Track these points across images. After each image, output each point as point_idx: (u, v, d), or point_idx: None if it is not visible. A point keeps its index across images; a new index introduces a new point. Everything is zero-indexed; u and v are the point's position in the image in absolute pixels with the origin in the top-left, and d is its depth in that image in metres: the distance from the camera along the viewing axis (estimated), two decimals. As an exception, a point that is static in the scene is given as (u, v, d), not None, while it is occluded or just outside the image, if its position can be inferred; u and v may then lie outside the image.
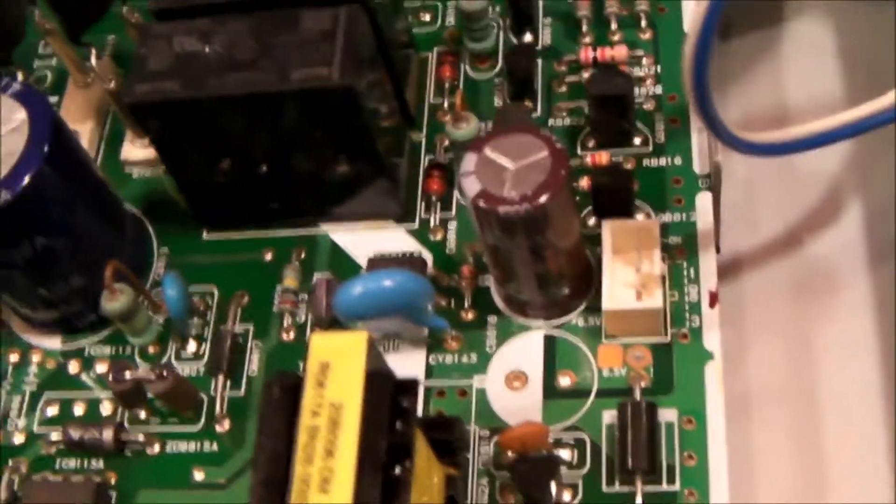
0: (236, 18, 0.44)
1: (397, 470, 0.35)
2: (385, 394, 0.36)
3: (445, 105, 0.49)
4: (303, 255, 0.48)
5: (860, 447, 0.45)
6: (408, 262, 0.46)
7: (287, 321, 0.46)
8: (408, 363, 0.44)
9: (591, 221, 0.46)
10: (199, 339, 0.46)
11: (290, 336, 0.46)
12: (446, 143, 0.48)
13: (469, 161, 0.40)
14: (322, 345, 0.37)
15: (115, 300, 0.45)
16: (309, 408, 0.36)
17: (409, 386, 0.37)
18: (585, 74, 0.49)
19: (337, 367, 0.36)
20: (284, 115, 0.44)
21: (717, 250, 0.47)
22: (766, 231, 0.49)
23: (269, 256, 0.48)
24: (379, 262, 0.46)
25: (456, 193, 0.48)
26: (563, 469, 0.41)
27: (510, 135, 0.41)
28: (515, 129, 0.41)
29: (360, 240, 0.47)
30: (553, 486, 0.40)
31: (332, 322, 0.45)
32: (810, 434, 0.45)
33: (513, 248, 0.41)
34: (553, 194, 0.39)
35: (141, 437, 0.44)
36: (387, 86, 0.47)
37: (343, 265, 0.47)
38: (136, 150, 0.51)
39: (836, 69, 0.52)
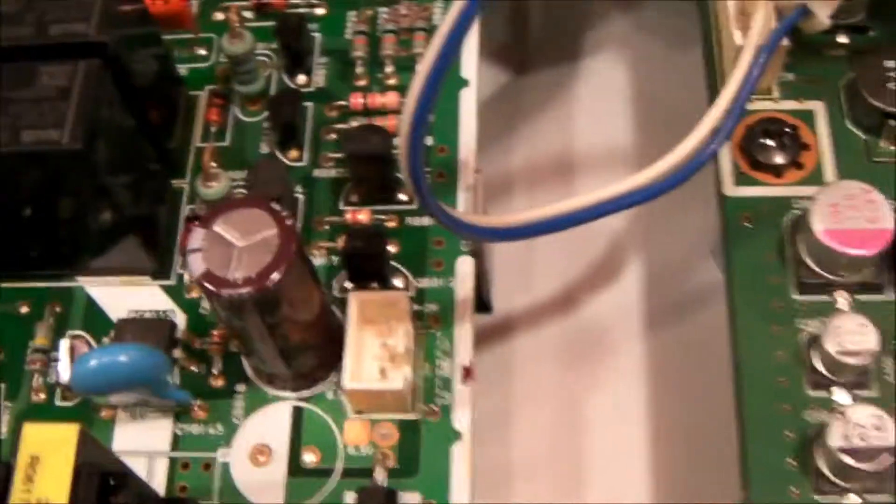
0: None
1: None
2: (93, 492, 0.35)
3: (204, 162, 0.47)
4: (58, 310, 0.45)
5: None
6: (157, 324, 0.44)
7: (37, 381, 0.44)
8: (154, 433, 0.42)
9: (348, 284, 0.44)
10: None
11: (40, 397, 0.44)
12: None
13: (196, 237, 0.38)
14: (33, 436, 0.35)
15: None
16: (16, 505, 0.34)
17: (121, 480, 0.36)
18: (354, 123, 0.47)
19: (46, 462, 0.35)
20: (21, 173, 0.41)
21: (489, 309, 0.45)
22: (542, 290, 0.47)
23: (24, 309, 0.46)
24: (127, 325, 0.44)
25: (215, 249, 0.45)
26: (301, 554, 0.40)
27: (240, 209, 0.39)
28: (247, 203, 0.39)
29: (116, 295, 0.45)
30: (286, 575, 0.39)
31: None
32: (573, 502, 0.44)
33: (246, 326, 0.39)
34: (280, 275, 0.37)
35: None
36: (139, 136, 0.44)
37: (98, 322, 0.45)
38: None
39: (626, 113, 0.50)
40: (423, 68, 0.32)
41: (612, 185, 0.38)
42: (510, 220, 0.38)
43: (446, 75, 0.32)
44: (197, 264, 0.38)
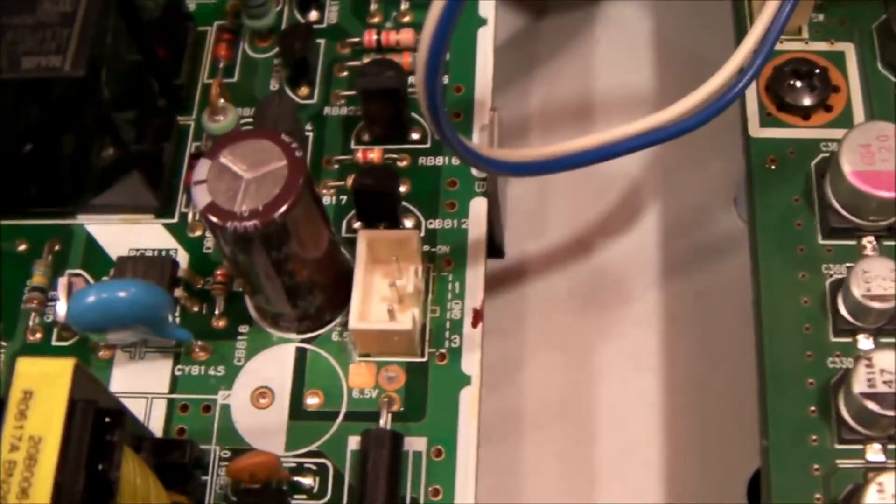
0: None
1: (96, 511, 0.33)
2: (88, 428, 0.33)
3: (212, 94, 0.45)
4: (57, 248, 0.44)
5: (634, 467, 0.43)
6: (159, 262, 0.42)
7: (33, 321, 0.43)
8: (153, 374, 0.41)
9: (357, 224, 0.42)
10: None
11: (36, 337, 0.43)
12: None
13: (202, 168, 0.37)
14: (27, 371, 0.34)
15: None
16: (8, 440, 0.33)
17: (117, 418, 0.35)
18: (367, 59, 0.45)
19: (40, 397, 0.33)
20: (22, 102, 0.40)
21: (502, 254, 0.44)
22: (556, 235, 0.46)
23: (22, 247, 0.44)
24: (128, 263, 0.43)
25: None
26: (303, 498, 0.39)
27: (249, 140, 0.37)
28: (255, 134, 0.37)
29: (117, 233, 0.44)
30: (285, 519, 0.38)
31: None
32: (584, 452, 0.43)
33: (252, 262, 0.38)
34: (287, 208, 0.36)
35: None
36: (146, 71, 0.43)
37: (98, 261, 0.44)
38: None
39: (647, 59, 0.49)
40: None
41: (635, 123, 0.37)
42: (529, 154, 0.36)
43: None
44: (202, 196, 0.36)
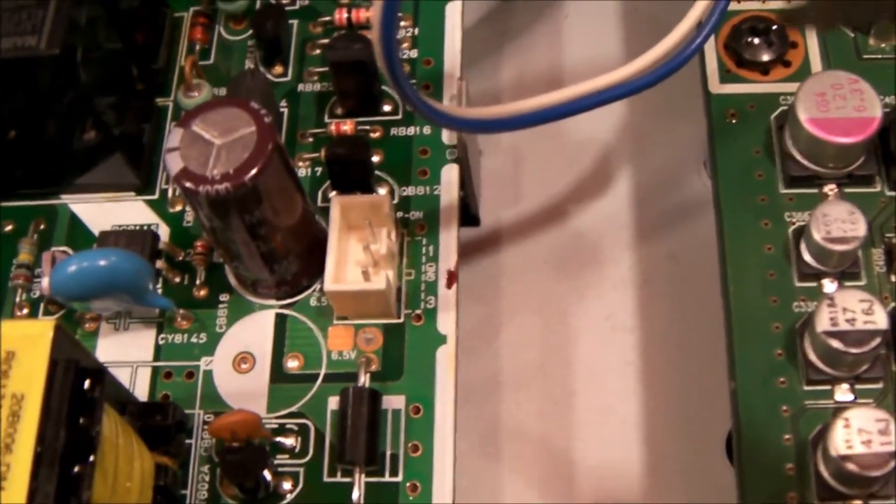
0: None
1: (78, 465, 0.33)
2: (69, 385, 0.34)
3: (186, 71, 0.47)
4: (42, 227, 0.45)
5: (612, 425, 0.43)
6: (140, 235, 0.43)
7: (20, 297, 0.44)
8: (137, 343, 0.42)
9: (332, 194, 0.43)
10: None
11: (23, 313, 0.44)
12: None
13: (174, 136, 0.38)
14: (9, 333, 0.35)
15: None
16: (-9, 399, 0.34)
17: (98, 376, 0.35)
18: (338, 36, 0.46)
19: (22, 357, 0.34)
20: (4, 83, 0.41)
21: (478, 223, 0.44)
22: (530, 202, 0.47)
23: (9, 228, 0.45)
24: (110, 237, 0.43)
25: (195, 164, 0.45)
26: (286, 458, 0.39)
27: (219, 108, 0.38)
28: (226, 103, 0.38)
29: (99, 211, 0.45)
30: (268, 476, 0.39)
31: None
32: (562, 411, 0.44)
33: (227, 227, 0.39)
34: (258, 172, 0.37)
35: None
36: (123, 55, 0.44)
37: (81, 238, 0.45)
38: None
39: (616, 32, 0.50)
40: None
41: (597, 78, 0.38)
42: (493, 111, 0.37)
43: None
44: (174, 163, 0.37)
